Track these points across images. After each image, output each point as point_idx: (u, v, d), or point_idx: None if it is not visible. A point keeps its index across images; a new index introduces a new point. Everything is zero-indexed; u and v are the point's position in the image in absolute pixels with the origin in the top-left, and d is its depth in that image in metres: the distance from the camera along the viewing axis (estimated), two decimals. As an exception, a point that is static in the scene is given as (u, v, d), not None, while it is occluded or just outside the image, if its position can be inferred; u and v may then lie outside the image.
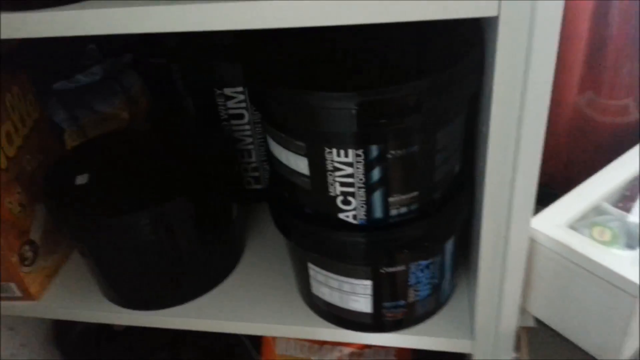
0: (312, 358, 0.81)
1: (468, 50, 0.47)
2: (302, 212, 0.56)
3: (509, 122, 0.44)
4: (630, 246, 0.50)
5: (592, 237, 0.51)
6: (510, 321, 0.55)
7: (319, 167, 0.50)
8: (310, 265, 0.60)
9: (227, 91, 0.73)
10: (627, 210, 0.54)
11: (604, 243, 0.50)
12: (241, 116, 0.76)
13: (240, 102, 0.74)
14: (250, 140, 0.78)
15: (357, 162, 0.49)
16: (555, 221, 0.51)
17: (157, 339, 0.87)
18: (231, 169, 0.72)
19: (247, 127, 0.77)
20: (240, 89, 0.73)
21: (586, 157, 0.61)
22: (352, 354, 0.80)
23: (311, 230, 0.55)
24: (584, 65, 0.63)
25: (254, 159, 0.80)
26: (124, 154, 0.73)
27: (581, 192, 0.54)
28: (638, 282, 0.43)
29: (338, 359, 0.80)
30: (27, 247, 0.70)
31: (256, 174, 0.81)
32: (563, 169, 0.65)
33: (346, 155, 0.48)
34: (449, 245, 0.58)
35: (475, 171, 0.55)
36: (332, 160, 0.49)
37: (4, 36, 0.45)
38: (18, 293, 0.71)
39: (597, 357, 0.50)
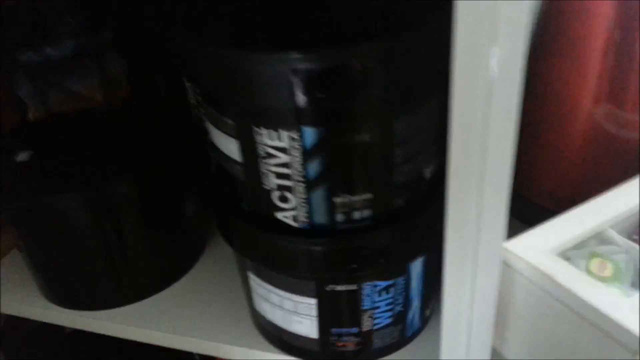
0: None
1: (435, 17, 0.37)
2: (240, 209, 0.47)
3: (472, 111, 0.34)
4: (636, 287, 0.38)
5: (588, 270, 0.40)
6: (480, 367, 0.44)
7: (250, 152, 0.41)
8: (251, 276, 0.50)
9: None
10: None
11: (602, 280, 0.39)
12: (211, 104, 0.68)
13: (210, 87, 0.66)
14: (222, 132, 0.70)
15: (293, 147, 0.39)
16: (542, 246, 0.40)
17: (109, 343, 0.78)
18: (191, 159, 0.64)
19: (218, 117, 0.68)
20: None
21: (603, 177, 0.50)
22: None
23: (245, 231, 0.46)
24: (603, 71, 0.52)
25: (225, 154, 0.71)
26: (79, 135, 0.66)
27: (582, 214, 0.43)
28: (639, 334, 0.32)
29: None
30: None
31: (228, 172, 0.73)
32: (570, 189, 0.54)
33: (279, 139, 0.39)
34: (417, 266, 0.48)
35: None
36: (264, 144, 0.40)
37: None
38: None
39: None
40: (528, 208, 0.60)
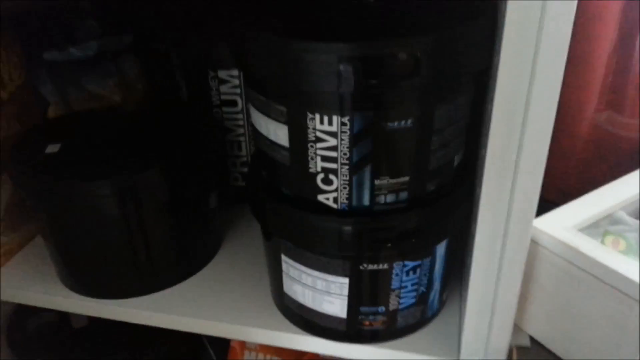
0: (282, 377, 0.73)
1: (478, 16, 0.42)
2: (279, 193, 0.51)
3: (515, 101, 0.39)
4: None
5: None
6: (502, 339, 0.48)
7: (299, 137, 0.45)
8: (284, 258, 0.53)
9: (222, 74, 0.69)
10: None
11: (616, 255, 0.44)
12: (234, 103, 0.71)
13: (234, 87, 0.70)
14: (241, 131, 0.73)
15: (343, 132, 0.43)
16: (563, 224, 0.44)
17: (118, 339, 0.80)
18: (213, 154, 0.67)
19: (239, 115, 0.72)
20: (235, 72, 0.69)
21: (604, 172, 0.55)
22: (326, 377, 0.72)
23: (286, 213, 0.49)
24: (605, 84, 0.58)
25: (244, 152, 0.75)
26: (104, 130, 0.69)
27: (594, 199, 0.48)
28: (656, 293, 0.37)
29: (310, 381, 0.72)
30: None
31: (245, 169, 0.76)
32: (577, 185, 0.59)
33: (330, 123, 0.43)
34: (441, 249, 0.52)
35: (478, 168, 0.50)
36: (315, 129, 0.44)
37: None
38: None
39: (601, 386, 0.43)
40: (539, 203, 0.66)
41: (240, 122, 0.73)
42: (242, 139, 0.74)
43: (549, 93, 0.38)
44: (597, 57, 0.56)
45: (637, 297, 0.38)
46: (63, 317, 0.81)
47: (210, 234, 0.70)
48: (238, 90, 0.70)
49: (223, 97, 0.71)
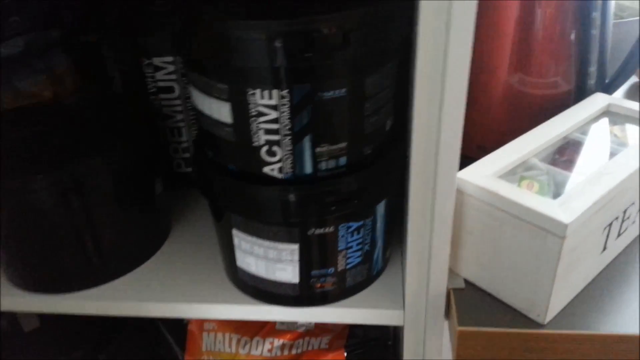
0: (241, 352, 0.76)
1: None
2: (226, 170, 0.53)
3: (433, 67, 0.43)
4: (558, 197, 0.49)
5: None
6: (439, 284, 0.53)
7: (242, 113, 0.48)
8: (235, 232, 0.56)
9: (156, 61, 0.70)
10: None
11: (532, 196, 0.50)
12: (171, 89, 0.73)
13: (170, 73, 0.71)
14: (181, 117, 0.75)
15: (283, 104, 0.46)
16: (483, 173, 0.50)
17: (71, 338, 0.80)
18: (153, 140, 0.68)
19: (177, 102, 0.73)
20: (170, 58, 0.70)
21: (517, 127, 0.62)
22: (283, 346, 0.75)
23: (234, 187, 0.52)
24: (514, 49, 0.64)
25: (184, 137, 0.76)
26: (40, 126, 0.68)
27: (509, 150, 0.53)
28: (564, 222, 0.42)
29: (269, 352, 0.75)
30: None
31: (187, 155, 0.78)
32: (494, 141, 0.65)
33: (270, 97, 0.46)
34: (381, 209, 0.56)
35: (407, 130, 0.54)
36: (256, 104, 0.47)
37: None
38: None
39: (526, 313, 0.49)
40: (461, 160, 0.72)
41: (179, 109, 0.74)
42: (181, 124, 0.75)
43: (462, 55, 0.42)
44: (505, 26, 0.62)
45: (550, 229, 0.44)
46: (13, 323, 0.80)
47: (158, 220, 0.71)
48: (174, 77, 0.72)
49: (159, 84, 0.72)
